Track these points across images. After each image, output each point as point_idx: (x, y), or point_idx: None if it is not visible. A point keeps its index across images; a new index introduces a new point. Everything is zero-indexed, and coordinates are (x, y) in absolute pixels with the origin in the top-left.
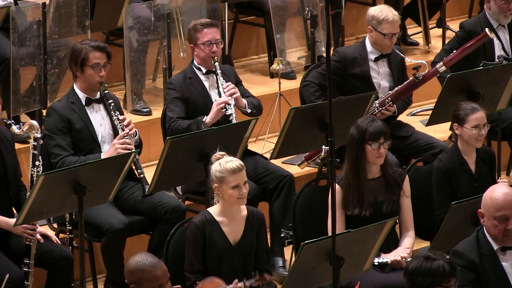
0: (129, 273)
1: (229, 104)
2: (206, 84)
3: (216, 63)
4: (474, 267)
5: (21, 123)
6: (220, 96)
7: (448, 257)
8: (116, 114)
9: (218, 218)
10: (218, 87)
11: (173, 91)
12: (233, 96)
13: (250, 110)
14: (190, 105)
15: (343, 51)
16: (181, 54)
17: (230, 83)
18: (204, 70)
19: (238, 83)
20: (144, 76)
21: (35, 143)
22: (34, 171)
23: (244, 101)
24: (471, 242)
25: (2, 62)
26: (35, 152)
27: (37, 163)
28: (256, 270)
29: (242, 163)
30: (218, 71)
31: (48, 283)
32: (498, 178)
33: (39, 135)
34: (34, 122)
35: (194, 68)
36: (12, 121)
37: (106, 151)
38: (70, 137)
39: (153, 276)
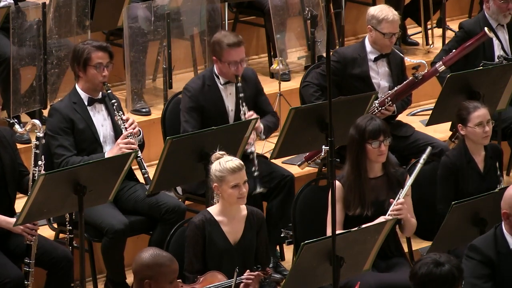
0: (146, 267)
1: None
2: (224, 93)
3: (239, 84)
4: (490, 263)
5: (21, 123)
6: (236, 110)
7: (452, 258)
8: (119, 114)
9: (218, 218)
10: (236, 104)
11: (189, 100)
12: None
13: (264, 137)
14: (205, 113)
15: (342, 52)
16: None
17: (252, 113)
18: (222, 81)
19: (259, 91)
20: (144, 76)
21: (37, 143)
22: (36, 170)
23: (261, 126)
24: (489, 238)
25: (2, 62)
26: (37, 151)
27: (39, 162)
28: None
29: (242, 163)
30: (241, 95)
31: (48, 283)
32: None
33: (41, 135)
34: (37, 122)
35: (214, 76)
36: (15, 120)
37: (110, 150)
38: (72, 137)
39: (171, 270)
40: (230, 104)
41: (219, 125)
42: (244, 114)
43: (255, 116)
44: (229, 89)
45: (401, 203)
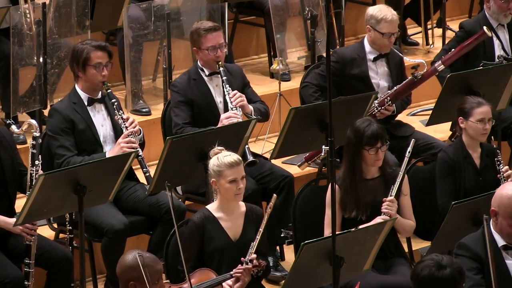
0: (130, 269)
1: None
2: (210, 85)
3: (221, 68)
4: (479, 260)
5: (17, 123)
6: (225, 101)
7: (455, 260)
8: (120, 113)
9: (216, 214)
10: (224, 94)
11: (177, 95)
12: (239, 104)
13: (255, 117)
14: (195, 107)
15: (341, 52)
16: None
17: (236, 91)
18: (207, 72)
19: (246, 84)
20: (141, 76)
21: (34, 142)
22: (33, 170)
23: (251, 107)
24: (477, 237)
25: (1, 59)
26: (34, 151)
27: (36, 162)
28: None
29: (240, 158)
30: (224, 78)
31: (47, 283)
32: (501, 171)
33: (38, 134)
34: (33, 122)
35: (199, 70)
36: (12, 121)
37: (111, 150)
38: (73, 138)
39: (155, 270)
40: (218, 96)
41: (210, 119)
42: (228, 94)
43: (238, 94)
44: (215, 81)
45: (390, 200)
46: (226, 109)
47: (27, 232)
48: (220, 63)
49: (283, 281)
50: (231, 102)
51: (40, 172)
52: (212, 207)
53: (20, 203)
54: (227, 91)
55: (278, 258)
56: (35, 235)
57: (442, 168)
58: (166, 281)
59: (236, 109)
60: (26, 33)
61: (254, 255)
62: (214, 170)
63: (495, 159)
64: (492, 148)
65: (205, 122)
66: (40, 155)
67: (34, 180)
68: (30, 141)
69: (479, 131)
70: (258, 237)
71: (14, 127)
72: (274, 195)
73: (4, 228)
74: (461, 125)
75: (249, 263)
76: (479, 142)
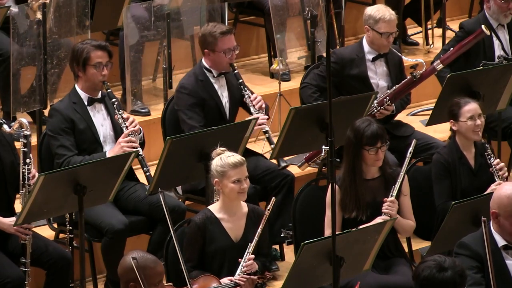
0: (130, 270)
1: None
2: (216, 86)
3: (237, 70)
4: (479, 258)
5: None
6: (231, 101)
7: (457, 263)
8: (120, 112)
9: (218, 215)
10: (229, 94)
11: (188, 97)
12: (262, 107)
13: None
14: (205, 108)
15: (340, 52)
16: None
17: (257, 95)
18: (215, 74)
19: None
20: (141, 76)
21: (25, 141)
22: (25, 168)
23: (263, 105)
24: (478, 236)
25: (4, 60)
26: (26, 150)
27: (27, 160)
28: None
29: (243, 158)
30: (240, 80)
31: (46, 284)
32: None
33: (28, 133)
34: (24, 120)
35: (205, 71)
36: (3, 120)
37: (111, 149)
38: (73, 137)
39: (155, 272)
40: (224, 95)
41: (217, 118)
42: (249, 97)
43: (259, 98)
44: (220, 81)
45: (390, 200)
46: (231, 108)
47: (21, 232)
48: (234, 65)
49: (281, 277)
50: (253, 106)
51: (33, 170)
52: (214, 207)
53: (18, 203)
54: (247, 95)
55: (278, 258)
56: (29, 234)
57: (437, 170)
58: (169, 283)
59: (260, 112)
60: (26, 33)
61: (252, 256)
62: (217, 171)
63: (485, 153)
64: (481, 143)
65: (213, 123)
66: (31, 154)
67: (26, 179)
68: (21, 140)
69: (471, 128)
70: (256, 238)
71: (5, 126)
72: (273, 198)
73: (0, 228)
74: (453, 127)
75: (257, 274)
76: (473, 142)
